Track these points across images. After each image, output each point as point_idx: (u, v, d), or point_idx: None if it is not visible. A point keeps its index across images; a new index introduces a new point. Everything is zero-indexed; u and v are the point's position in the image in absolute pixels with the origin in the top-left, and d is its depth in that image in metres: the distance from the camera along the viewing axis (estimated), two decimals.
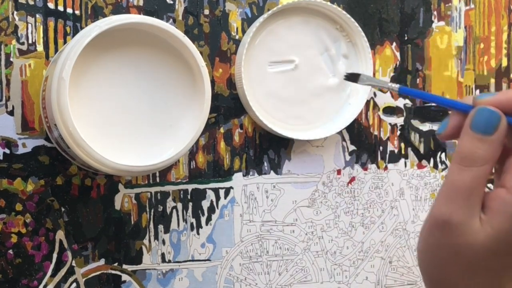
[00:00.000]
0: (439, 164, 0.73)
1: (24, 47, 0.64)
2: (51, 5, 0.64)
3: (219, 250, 0.68)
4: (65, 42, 0.65)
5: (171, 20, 0.67)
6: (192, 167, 0.68)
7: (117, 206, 0.66)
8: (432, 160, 0.73)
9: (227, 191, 0.68)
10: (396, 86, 0.56)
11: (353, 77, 0.62)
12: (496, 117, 0.47)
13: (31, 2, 0.64)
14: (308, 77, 0.69)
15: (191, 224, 0.68)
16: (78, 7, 0.65)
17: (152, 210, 0.67)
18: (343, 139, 0.71)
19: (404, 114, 0.72)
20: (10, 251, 0.64)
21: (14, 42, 0.64)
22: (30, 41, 0.64)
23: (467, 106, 0.49)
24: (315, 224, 0.70)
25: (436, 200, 0.49)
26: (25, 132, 0.64)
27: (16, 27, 0.64)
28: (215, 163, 0.68)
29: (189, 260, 0.68)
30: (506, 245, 0.47)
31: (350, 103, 0.70)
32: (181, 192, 0.67)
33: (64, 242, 0.65)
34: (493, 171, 0.50)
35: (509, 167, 0.48)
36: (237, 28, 0.68)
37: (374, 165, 0.71)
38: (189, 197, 0.68)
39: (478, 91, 0.73)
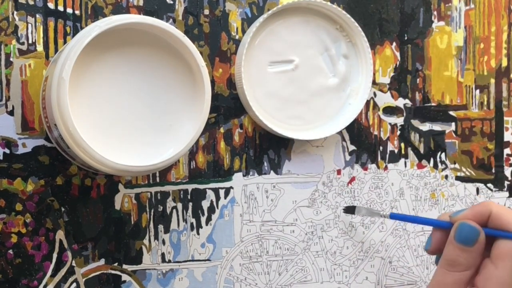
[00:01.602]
0: (439, 164, 0.73)
1: (24, 47, 0.64)
2: (51, 5, 0.64)
3: (219, 250, 0.68)
4: (65, 42, 0.65)
5: (171, 20, 0.67)
6: (192, 167, 0.68)
7: (117, 206, 0.66)
8: (432, 160, 0.73)
9: (227, 191, 0.68)
10: (387, 214, 0.66)
11: (350, 210, 0.69)
12: (476, 231, 0.56)
13: (31, 2, 0.64)
14: (308, 77, 0.69)
15: (191, 224, 0.68)
16: (78, 7, 0.65)
17: (152, 210, 0.67)
18: (343, 139, 0.71)
19: (404, 114, 0.72)
20: (10, 251, 0.64)
21: (14, 42, 0.64)
22: (30, 41, 0.64)
23: (446, 224, 0.59)
24: (315, 224, 0.70)
25: None
26: (25, 132, 0.64)
27: (16, 27, 0.64)
28: (215, 163, 0.68)
29: (189, 260, 0.68)
30: None
31: (350, 103, 0.70)
32: (181, 192, 0.67)
33: (64, 242, 0.65)
34: None
35: (481, 270, 0.56)
36: (237, 28, 0.68)
37: (374, 165, 0.71)
38: (189, 197, 0.68)
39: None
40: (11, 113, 0.64)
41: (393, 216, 0.66)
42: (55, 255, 0.65)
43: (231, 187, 0.68)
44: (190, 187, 0.68)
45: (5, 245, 0.64)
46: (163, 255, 0.67)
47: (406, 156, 0.72)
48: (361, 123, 0.71)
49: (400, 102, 0.72)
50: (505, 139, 0.74)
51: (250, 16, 0.69)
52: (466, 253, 0.56)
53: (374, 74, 0.71)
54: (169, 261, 0.67)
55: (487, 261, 0.56)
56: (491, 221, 0.57)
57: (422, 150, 0.73)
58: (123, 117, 0.57)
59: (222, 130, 0.68)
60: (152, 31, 0.57)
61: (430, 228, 0.73)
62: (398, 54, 0.72)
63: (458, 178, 0.73)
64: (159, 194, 0.67)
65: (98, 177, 0.66)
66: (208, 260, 0.68)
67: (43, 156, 0.64)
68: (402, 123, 0.72)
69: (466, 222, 0.57)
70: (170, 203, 0.67)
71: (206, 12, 0.68)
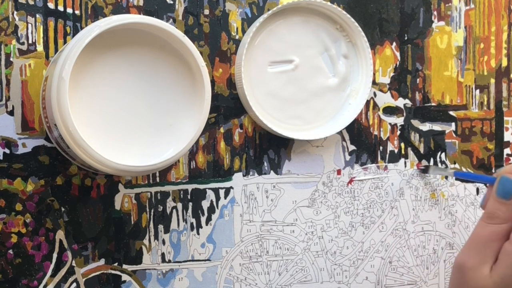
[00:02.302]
0: (439, 164, 0.73)
1: (24, 47, 0.64)
2: (51, 5, 0.64)
3: (219, 250, 0.68)
4: (65, 42, 0.65)
5: (171, 20, 0.67)
6: (192, 167, 0.68)
7: (117, 206, 0.66)
8: (432, 160, 0.73)
9: (227, 191, 0.68)
10: (451, 172, 0.71)
11: (425, 169, 0.72)
12: None
13: (31, 2, 0.64)
14: (308, 77, 0.69)
15: (191, 224, 0.68)
16: (78, 7, 0.65)
17: (152, 210, 0.67)
18: (343, 139, 0.71)
19: (404, 114, 0.72)
20: (10, 251, 0.64)
21: (14, 42, 0.64)
22: (30, 41, 0.64)
23: (494, 179, 0.60)
24: (315, 224, 0.70)
25: (462, 247, 0.60)
26: (25, 132, 0.64)
27: (16, 27, 0.64)
28: (215, 163, 0.68)
29: (189, 260, 0.68)
30: None
31: (350, 103, 0.70)
32: (181, 192, 0.67)
33: (64, 242, 0.65)
34: None
35: None
36: (237, 28, 0.68)
37: (374, 165, 0.71)
38: (189, 197, 0.68)
39: (480, 89, 0.73)
40: (11, 113, 0.64)
41: (457, 174, 0.70)
42: (55, 255, 0.65)
43: (231, 187, 0.68)
44: (190, 187, 0.68)
45: (5, 245, 0.64)
46: (163, 255, 0.67)
47: (406, 156, 0.72)
48: (361, 123, 0.71)
49: (400, 102, 0.72)
50: (505, 139, 0.74)
51: (250, 16, 0.69)
52: (504, 206, 0.58)
53: (374, 74, 0.71)
54: (169, 261, 0.67)
55: None
56: None
57: (422, 150, 0.73)
58: (123, 117, 0.57)
59: (222, 130, 0.68)
60: (152, 31, 0.57)
61: (430, 228, 0.73)
62: (398, 54, 0.72)
63: (458, 178, 0.73)
64: (159, 194, 0.67)
65: (98, 177, 0.66)
66: (208, 260, 0.68)
67: (43, 156, 0.64)
68: (402, 123, 0.72)
69: (506, 176, 0.58)
70: (170, 203, 0.67)
71: (206, 12, 0.68)
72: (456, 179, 0.73)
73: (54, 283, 0.65)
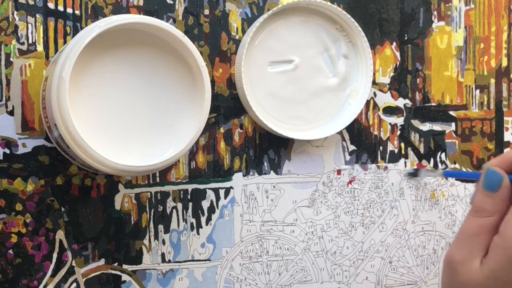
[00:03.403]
0: (439, 164, 0.73)
1: (24, 47, 0.64)
2: (51, 5, 0.64)
3: (219, 250, 0.68)
4: (65, 42, 0.65)
5: (171, 20, 0.67)
6: (192, 167, 0.68)
7: (117, 206, 0.66)
8: (432, 160, 0.73)
9: (227, 191, 0.68)
10: (441, 172, 0.70)
11: (413, 174, 0.72)
12: (498, 176, 0.57)
13: (31, 2, 0.64)
14: (308, 77, 0.69)
15: (191, 224, 0.68)
16: (78, 7, 0.65)
17: (152, 210, 0.67)
18: (343, 139, 0.71)
19: (404, 114, 0.72)
20: (10, 251, 0.64)
21: (14, 42, 0.64)
22: (30, 41, 0.64)
23: (480, 175, 0.60)
24: (315, 224, 0.70)
25: (451, 243, 0.60)
26: (25, 132, 0.64)
27: (16, 27, 0.64)
28: (215, 163, 0.68)
29: (189, 260, 0.68)
30: (500, 284, 0.55)
31: (350, 103, 0.70)
32: (181, 192, 0.67)
33: (64, 242, 0.65)
34: None
35: (506, 217, 0.56)
36: (237, 28, 0.68)
37: (374, 165, 0.71)
38: (189, 197, 0.68)
39: (478, 90, 0.73)
40: (11, 113, 0.64)
41: (446, 174, 0.70)
42: (55, 255, 0.65)
43: (231, 187, 0.68)
44: (190, 187, 0.68)
45: (5, 245, 0.64)
46: (163, 255, 0.67)
47: (406, 156, 0.72)
48: (361, 123, 0.71)
49: (400, 102, 0.72)
50: (505, 139, 0.74)
51: (250, 16, 0.69)
52: (490, 199, 0.57)
53: (374, 74, 0.71)
54: (169, 261, 0.67)
55: None
56: None
57: (422, 150, 0.72)
58: (123, 117, 0.57)
59: (222, 130, 0.68)
60: (152, 31, 0.57)
61: (430, 228, 0.73)
62: (398, 54, 0.72)
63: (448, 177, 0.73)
64: (159, 194, 0.67)
65: (98, 177, 0.66)
66: (208, 260, 0.68)
67: (43, 156, 0.64)
68: (402, 123, 0.72)
69: (491, 168, 0.58)
70: (170, 203, 0.67)
71: (206, 12, 0.68)
72: (446, 178, 0.73)
73: (54, 283, 0.65)
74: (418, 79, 0.72)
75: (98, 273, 0.66)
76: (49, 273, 0.65)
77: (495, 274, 0.55)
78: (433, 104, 0.72)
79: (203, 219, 0.68)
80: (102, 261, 0.66)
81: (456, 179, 0.73)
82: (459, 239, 0.58)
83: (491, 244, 0.57)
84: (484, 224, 0.57)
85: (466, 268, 0.57)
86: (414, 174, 0.72)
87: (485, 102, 0.74)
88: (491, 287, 0.56)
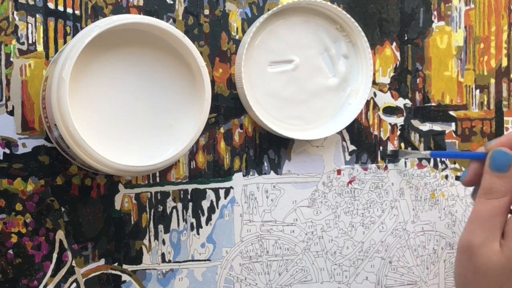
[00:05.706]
0: (439, 164, 0.73)
1: (24, 47, 0.64)
2: (51, 5, 0.64)
3: (219, 250, 0.68)
4: (65, 42, 0.65)
5: (171, 20, 0.67)
6: (192, 167, 0.68)
7: (117, 206, 0.66)
8: (432, 160, 0.73)
9: (227, 191, 0.68)
10: (427, 152, 0.68)
11: (394, 155, 0.71)
12: (508, 156, 0.57)
13: (31, 2, 0.64)
14: (308, 77, 0.69)
15: (191, 224, 0.68)
16: (78, 7, 0.65)
17: (152, 210, 0.67)
18: (343, 139, 0.71)
19: (404, 114, 0.72)
20: (10, 251, 0.64)
21: (14, 42, 0.64)
22: (30, 41, 0.64)
23: (482, 154, 0.60)
24: (315, 224, 0.70)
25: (464, 228, 0.58)
26: (25, 132, 0.64)
27: (16, 27, 0.64)
28: (215, 163, 0.68)
29: (189, 260, 0.68)
30: None
31: (350, 103, 0.70)
32: (181, 192, 0.67)
33: (64, 242, 0.65)
34: None
35: None
36: (237, 28, 0.68)
37: (374, 165, 0.71)
38: (189, 197, 0.68)
39: (478, 90, 0.73)
40: (11, 113, 0.64)
41: (434, 154, 0.68)
42: (55, 255, 0.65)
43: (231, 187, 0.68)
44: (190, 187, 0.68)
45: (5, 245, 0.64)
46: (163, 255, 0.67)
47: None
48: (361, 123, 0.71)
49: (400, 102, 0.72)
50: None
51: (250, 16, 0.69)
52: (501, 180, 0.57)
53: (374, 74, 0.71)
54: (169, 261, 0.67)
55: None
56: None
57: (422, 150, 0.72)
58: (123, 117, 0.57)
59: (222, 130, 0.68)
60: (152, 31, 0.57)
61: (430, 228, 0.73)
62: (398, 54, 0.72)
63: (458, 178, 0.73)
64: (159, 194, 0.67)
65: (98, 177, 0.66)
66: (208, 260, 0.68)
67: (43, 156, 0.64)
68: (402, 123, 0.72)
69: (498, 149, 0.58)
70: (170, 203, 0.67)
71: (206, 12, 0.68)
72: (435, 159, 0.72)
73: (54, 283, 0.65)
74: (418, 79, 0.72)
75: (98, 273, 0.66)
76: (49, 273, 0.65)
77: None
78: (433, 104, 0.72)
79: (203, 219, 0.68)
80: (102, 261, 0.66)
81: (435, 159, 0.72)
82: (473, 223, 0.57)
83: (508, 224, 0.56)
84: (498, 205, 0.57)
85: (487, 251, 0.56)
86: (393, 155, 0.71)
87: (485, 102, 0.74)
88: None
